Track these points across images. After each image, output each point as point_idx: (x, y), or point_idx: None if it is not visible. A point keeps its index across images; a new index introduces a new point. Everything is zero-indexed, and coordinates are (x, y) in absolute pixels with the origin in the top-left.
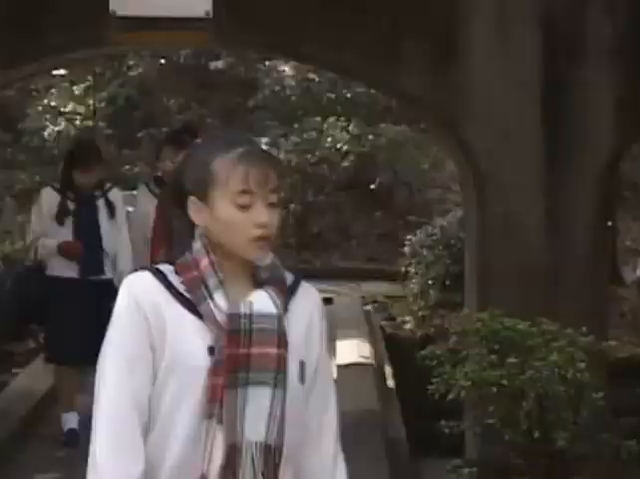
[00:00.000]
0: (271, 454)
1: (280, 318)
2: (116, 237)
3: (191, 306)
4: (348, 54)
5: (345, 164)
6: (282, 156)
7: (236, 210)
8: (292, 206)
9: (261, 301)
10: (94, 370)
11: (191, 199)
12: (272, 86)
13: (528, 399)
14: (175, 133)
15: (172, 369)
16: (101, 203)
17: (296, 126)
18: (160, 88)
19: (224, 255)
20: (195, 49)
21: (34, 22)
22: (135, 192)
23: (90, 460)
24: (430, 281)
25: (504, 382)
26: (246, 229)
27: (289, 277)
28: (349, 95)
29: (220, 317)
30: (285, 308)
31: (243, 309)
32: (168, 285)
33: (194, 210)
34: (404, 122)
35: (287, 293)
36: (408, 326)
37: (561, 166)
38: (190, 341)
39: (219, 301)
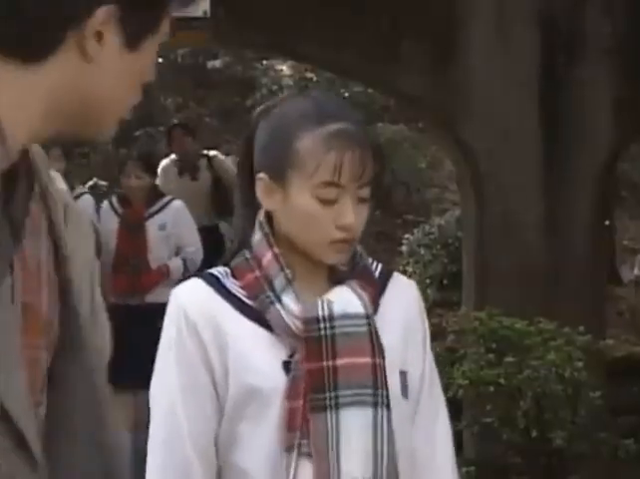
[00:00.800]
0: None
1: (370, 319)
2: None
3: (256, 315)
4: (347, 54)
5: None
6: None
7: (317, 203)
8: None
9: (344, 300)
10: None
11: (261, 175)
12: (270, 85)
13: (526, 398)
14: (142, 146)
15: (242, 396)
16: None
17: None
18: (158, 87)
19: (292, 248)
20: (193, 48)
21: None
22: None
23: None
24: (427, 280)
25: (502, 381)
26: (326, 228)
27: (377, 268)
28: (347, 94)
29: (293, 324)
30: (375, 307)
31: (322, 311)
32: (225, 292)
33: (264, 190)
34: (401, 121)
35: (377, 288)
36: None
37: (560, 165)
38: (259, 358)
39: (290, 304)
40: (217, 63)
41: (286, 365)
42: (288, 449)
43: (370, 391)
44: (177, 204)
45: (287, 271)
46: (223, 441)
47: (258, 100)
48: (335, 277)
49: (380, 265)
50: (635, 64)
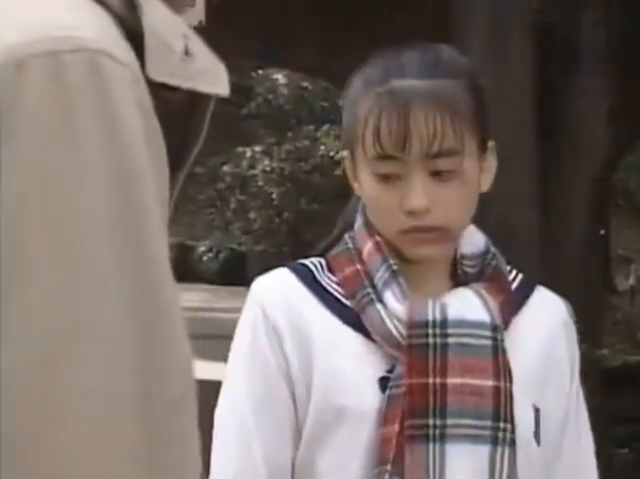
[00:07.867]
0: None
1: (498, 332)
2: None
3: (353, 318)
4: (342, 62)
5: (339, 172)
6: (275, 164)
7: (376, 182)
8: (286, 214)
9: (463, 303)
10: None
11: (344, 153)
12: (266, 94)
13: None
14: None
15: (327, 419)
16: None
17: (290, 134)
18: None
19: None
20: None
21: None
22: None
23: None
24: None
25: None
26: (391, 214)
27: (516, 277)
28: (342, 103)
29: (395, 328)
30: (507, 320)
31: (432, 314)
32: (318, 288)
33: (347, 171)
34: None
35: (512, 299)
36: None
37: (555, 175)
38: (352, 372)
39: (392, 303)
40: None
41: (383, 382)
42: None
43: (489, 423)
44: None
45: (392, 262)
46: (298, 473)
47: (254, 109)
48: (458, 279)
49: (521, 275)
50: (631, 73)
